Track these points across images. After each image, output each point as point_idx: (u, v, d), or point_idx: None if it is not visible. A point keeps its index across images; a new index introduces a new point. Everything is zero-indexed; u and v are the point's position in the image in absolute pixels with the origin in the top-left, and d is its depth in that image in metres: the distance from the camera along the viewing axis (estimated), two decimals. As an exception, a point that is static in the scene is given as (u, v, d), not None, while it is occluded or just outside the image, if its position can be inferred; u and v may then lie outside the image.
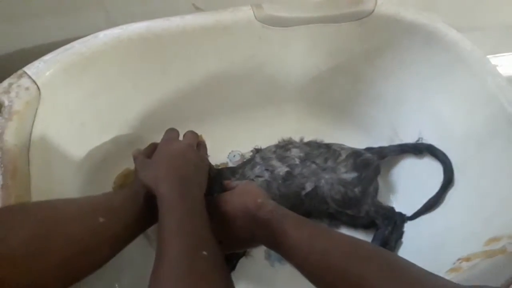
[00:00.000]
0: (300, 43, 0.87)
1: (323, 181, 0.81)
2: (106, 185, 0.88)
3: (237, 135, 0.98)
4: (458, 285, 0.39)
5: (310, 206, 0.83)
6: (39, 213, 0.48)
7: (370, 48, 0.88)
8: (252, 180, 0.81)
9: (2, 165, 0.59)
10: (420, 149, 0.88)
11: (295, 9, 0.83)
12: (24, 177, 0.63)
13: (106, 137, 0.85)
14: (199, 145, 0.69)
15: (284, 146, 0.86)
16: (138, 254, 0.84)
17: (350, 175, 0.82)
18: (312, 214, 0.85)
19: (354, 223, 0.87)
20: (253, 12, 0.80)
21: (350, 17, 0.84)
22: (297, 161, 0.82)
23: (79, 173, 0.81)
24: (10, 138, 0.62)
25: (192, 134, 0.68)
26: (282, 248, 0.52)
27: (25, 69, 0.68)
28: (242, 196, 0.60)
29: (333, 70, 0.93)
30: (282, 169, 0.81)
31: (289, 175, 0.81)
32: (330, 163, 0.83)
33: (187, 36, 0.79)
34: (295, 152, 0.84)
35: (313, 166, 0.83)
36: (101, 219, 0.51)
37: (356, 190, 0.82)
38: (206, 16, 0.79)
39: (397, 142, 0.92)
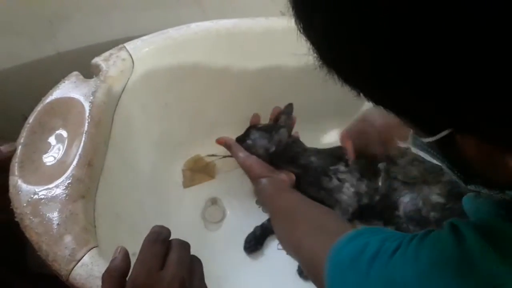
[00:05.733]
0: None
1: (414, 188, 0.80)
2: (177, 167, 0.95)
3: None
4: None
5: (384, 201, 0.81)
6: None
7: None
8: None
9: (90, 115, 0.69)
10: None
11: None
12: (106, 131, 0.72)
13: (185, 122, 0.93)
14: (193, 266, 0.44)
15: None
16: (193, 236, 0.88)
17: (437, 199, 0.79)
18: (384, 213, 0.82)
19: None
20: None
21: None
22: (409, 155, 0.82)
23: (154, 148, 0.89)
24: (101, 96, 0.71)
25: (184, 251, 0.43)
26: None
27: (126, 44, 0.78)
28: None
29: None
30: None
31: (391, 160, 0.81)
32: (431, 177, 0.81)
33: (270, 35, 0.85)
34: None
35: (418, 168, 0.82)
36: None
37: (432, 214, 0.78)
38: (289, 18, 0.84)
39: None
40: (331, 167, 0.82)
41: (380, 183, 0.81)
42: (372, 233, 0.44)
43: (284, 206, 0.68)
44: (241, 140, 0.84)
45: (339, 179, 0.82)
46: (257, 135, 0.83)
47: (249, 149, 0.81)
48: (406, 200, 0.80)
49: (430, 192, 0.79)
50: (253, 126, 0.86)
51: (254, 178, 0.76)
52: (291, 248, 0.60)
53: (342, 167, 0.82)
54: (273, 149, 0.81)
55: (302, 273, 0.84)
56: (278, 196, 0.71)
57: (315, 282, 0.49)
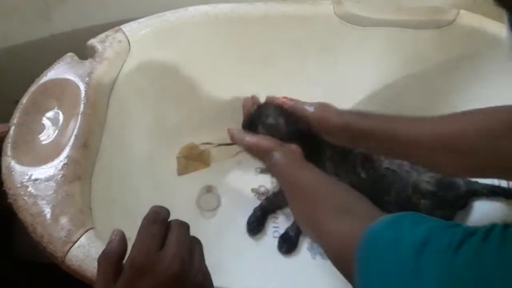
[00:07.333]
0: (376, 45, 0.88)
1: (403, 174, 0.80)
2: (171, 154, 0.94)
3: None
4: None
5: (375, 186, 0.81)
6: None
7: (448, 58, 0.87)
8: None
9: (85, 96, 0.67)
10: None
11: (375, 10, 0.85)
12: (102, 113, 0.71)
13: (181, 108, 0.91)
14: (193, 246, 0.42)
15: None
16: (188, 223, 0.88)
17: (427, 187, 0.79)
18: (374, 199, 0.82)
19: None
20: (333, 7, 0.84)
21: (429, 25, 0.84)
22: None
23: (149, 134, 0.88)
24: (97, 77, 0.70)
25: (183, 231, 0.42)
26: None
27: (122, 26, 0.77)
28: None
29: (407, 77, 0.92)
30: None
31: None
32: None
33: (268, 21, 0.84)
34: None
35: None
36: None
37: (422, 202, 0.78)
38: (288, 5, 0.84)
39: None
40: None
41: (362, 174, 0.81)
42: (414, 219, 0.42)
43: (302, 183, 0.64)
44: (253, 118, 0.76)
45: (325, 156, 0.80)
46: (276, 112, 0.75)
47: (269, 128, 0.75)
48: (395, 187, 0.81)
49: (419, 180, 0.80)
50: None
51: (264, 154, 0.70)
52: (311, 229, 0.57)
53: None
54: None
55: (282, 248, 0.85)
56: (294, 170, 0.66)
57: (340, 267, 0.47)
